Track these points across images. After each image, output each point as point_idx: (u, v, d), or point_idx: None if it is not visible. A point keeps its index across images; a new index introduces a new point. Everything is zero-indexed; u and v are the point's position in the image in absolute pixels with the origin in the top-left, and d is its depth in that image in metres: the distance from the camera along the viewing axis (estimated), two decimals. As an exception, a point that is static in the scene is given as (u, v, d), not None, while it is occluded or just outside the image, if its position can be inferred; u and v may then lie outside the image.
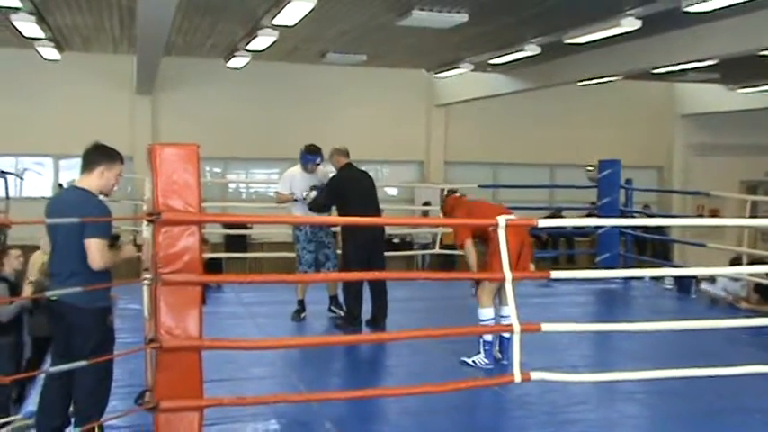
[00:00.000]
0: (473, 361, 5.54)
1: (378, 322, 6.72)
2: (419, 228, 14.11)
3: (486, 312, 5.55)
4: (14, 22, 10.09)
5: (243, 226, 12.79)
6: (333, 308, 7.22)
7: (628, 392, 5.02)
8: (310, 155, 7.07)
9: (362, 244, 6.67)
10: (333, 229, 7.46)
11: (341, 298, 6.97)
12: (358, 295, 6.73)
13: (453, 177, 16.25)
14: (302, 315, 7.14)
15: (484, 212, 5.72)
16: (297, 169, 7.18)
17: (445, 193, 6.20)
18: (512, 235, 5.12)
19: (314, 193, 6.93)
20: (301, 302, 7.17)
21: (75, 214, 3.62)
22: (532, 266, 5.77)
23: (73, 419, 3.84)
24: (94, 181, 3.83)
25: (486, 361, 5.52)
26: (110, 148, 3.93)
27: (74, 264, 3.74)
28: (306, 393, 4.83)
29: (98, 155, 3.87)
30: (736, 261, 8.53)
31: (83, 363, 3.47)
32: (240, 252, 12.23)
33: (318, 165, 7.08)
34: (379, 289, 6.75)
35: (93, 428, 3.67)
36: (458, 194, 6.17)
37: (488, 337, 5.55)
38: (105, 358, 3.69)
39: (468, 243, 5.66)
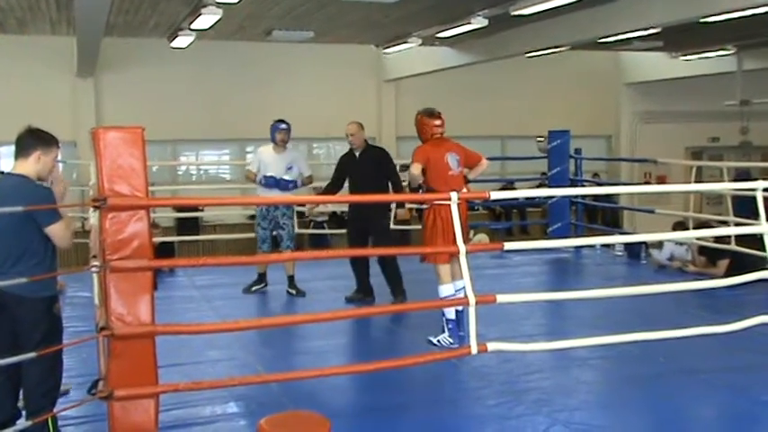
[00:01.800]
0: (438, 340, 5.52)
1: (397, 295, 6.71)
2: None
3: (446, 289, 5.49)
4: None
5: (194, 208, 12.63)
6: (289, 289, 7.21)
7: (582, 359, 5.11)
8: (276, 122, 7.13)
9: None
10: (299, 208, 7.47)
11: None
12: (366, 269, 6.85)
13: (406, 152, 16.23)
14: (254, 288, 7.17)
15: (436, 158, 5.58)
16: (267, 148, 7.19)
17: (419, 110, 5.83)
18: (449, 213, 5.06)
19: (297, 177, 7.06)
20: (262, 276, 7.21)
21: (15, 201, 3.51)
22: (483, 237, 5.81)
23: (24, 412, 3.75)
24: (31, 166, 3.71)
25: (451, 340, 5.48)
26: (44, 131, 3.80)
27: (15, 252, 3.63)
28: (264, 374, 4.81)
29: (33, 139, 3.74)
30: (679, 225, 8.71)
31: (31, 355, 3.39)
32: (193, 235, 12.07)
33: (285, 131, 7.05)
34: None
35: (46, 420, 3.58)
36: (435, 122, 5.67)
37: (451, 316, 5.48)
38: (54, 348, 3.60)
39: (417, 168, 5.53)
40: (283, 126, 7.08)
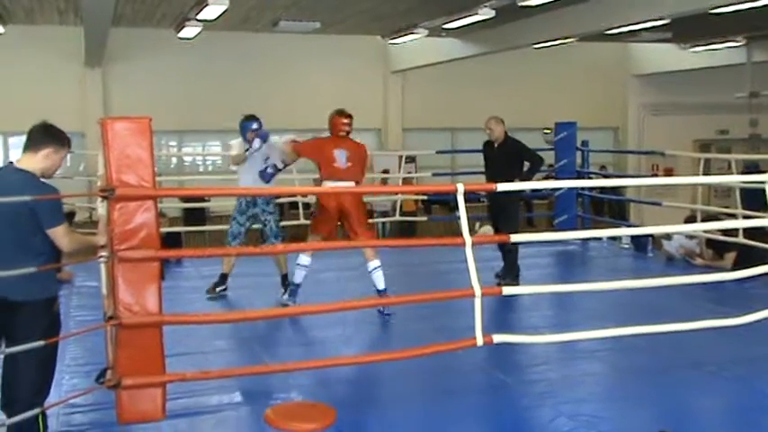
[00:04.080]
0: (285, 299, 6.41)
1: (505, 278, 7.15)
2: (379, 195, 14.06)
3: (305, 259, 6.30)
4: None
5: (201, 199, 12.66)
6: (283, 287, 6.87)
7: (588, 351, 5.11)
8: (248, 121, 6.81)
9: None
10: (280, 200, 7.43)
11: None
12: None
13: (411, 144, 16.23)
14: (218, 289, 6.83)
15: (325, 150, 6.29)
16: (238, 142, 6.88)
17: (333, 111, 6.48)
18: (331, 200, 6.06)
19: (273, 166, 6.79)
20: (224, 277, 6.87)
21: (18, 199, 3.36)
22: (489, 229, 5.85)
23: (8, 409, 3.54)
24: (39, 162, 3.56)
25: (290, 301, 6.31)
26: (59, 130, 3.67)
27: (14, 253, 3.46)
28: (270, 364, 4.82)
29: (47, 136, 3.60)
30: (690, 219, 8.69)
31: (26, 346, 3.30)
32: (199, 225, 12.09)
33: (257, 132, 6.78)
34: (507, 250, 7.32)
35: (36, 417, 3.47)
36: (343, 120, 6.35)
37: (298, 280, 6.33)
38: (52, 341, 3.47)
39: (292, 151, 6.51)
40: (254, 126, 6.77)
